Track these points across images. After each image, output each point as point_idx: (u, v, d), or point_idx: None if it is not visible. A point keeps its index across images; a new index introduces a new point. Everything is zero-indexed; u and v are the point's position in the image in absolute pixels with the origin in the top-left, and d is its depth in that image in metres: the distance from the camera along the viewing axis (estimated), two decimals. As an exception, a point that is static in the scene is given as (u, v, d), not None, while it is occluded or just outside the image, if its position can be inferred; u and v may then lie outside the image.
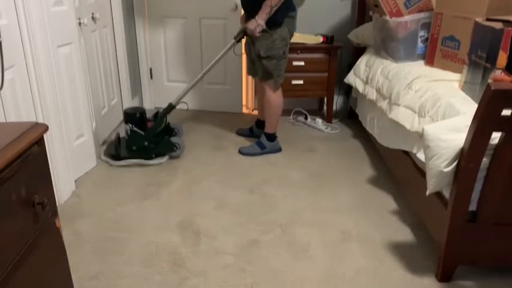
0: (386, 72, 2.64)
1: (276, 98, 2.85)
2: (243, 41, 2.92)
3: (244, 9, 2.85)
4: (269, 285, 1.73)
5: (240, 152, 2.97)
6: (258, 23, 2.60)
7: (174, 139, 2.84)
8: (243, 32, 2.74)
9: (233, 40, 2.79)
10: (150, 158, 2.77)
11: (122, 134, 2.90)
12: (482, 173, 1.56)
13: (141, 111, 2.76)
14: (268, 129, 2.96)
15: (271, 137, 2.97)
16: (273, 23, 2.64)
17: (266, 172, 2.70)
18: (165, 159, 2.81)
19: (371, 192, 2.46)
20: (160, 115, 2.84)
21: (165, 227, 2.12)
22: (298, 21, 3.57)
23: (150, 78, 3.85)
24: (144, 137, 2.75)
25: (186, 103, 2.94)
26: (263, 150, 2.96)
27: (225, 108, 3.81)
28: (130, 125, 2.72)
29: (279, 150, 3.01)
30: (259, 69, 2.81)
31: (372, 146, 3.02)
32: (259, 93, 3.17)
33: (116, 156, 2.77)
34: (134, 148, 2.76)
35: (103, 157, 2.81)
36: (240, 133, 3.30)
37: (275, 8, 2.58)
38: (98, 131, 2.89)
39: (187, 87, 2.89)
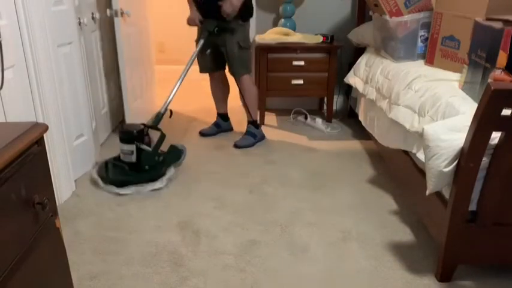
0: (386, 71, 2.64)
1: (253, 85, 3.07)
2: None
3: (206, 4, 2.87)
4: (269, 285, 1.73)
5: (236, 145, 3.04)
6: (235, 4, 2.73)
7: (176, 144, 2.70)
8: (215, 29, 2.80)
9: (201, 40, 2.85)
10: (164, 174, 2.54)
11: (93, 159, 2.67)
12: (482, 173, 1.56)
13: (140, 128, 2.54)
14: (253, 116, 3.11)
15: (256, 124, 3.14)
16: (246, 16, 2.85)
17: (266, 172, 2.70)
18: (172, 172, 2.58)
19: (371, 192, 2.46)
20: (155, 125, 2.65)
21: (165, 227, 2.12)
22: (298, 21, 3.60)
23: (150, 78, 3.85)
24: (153, 154, 2.54)
25: (171, 110, 2.80)
26: (255, 139, 3.10)
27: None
28: (137, 143, 2.49)
29: (264, 137, 3.19)
30: (236, 63, 2.92)
31: (372, 145, 3.02)
32: (216, 87, 3.26)
33: (123, 182, 2.46)
34: (147, 167, 2.52)
35: (103, 185, 2.47)
36: (205, 133, 3.29)
37: None
38: (98, 131, 2.89)
39: (171, 93, 2.76)
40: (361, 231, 2.08)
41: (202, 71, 3.16)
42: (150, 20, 3.66)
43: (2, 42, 1.73)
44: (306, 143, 3.17)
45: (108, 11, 2.97)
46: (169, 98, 2.74)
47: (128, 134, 2.50)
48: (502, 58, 1.76)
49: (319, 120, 3.47)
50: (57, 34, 2.27)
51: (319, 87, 3.47)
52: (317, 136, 3.31)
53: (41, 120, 2.14)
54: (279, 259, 1.88)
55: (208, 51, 3.02)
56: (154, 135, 2.63)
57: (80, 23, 2.55)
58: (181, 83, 2.78)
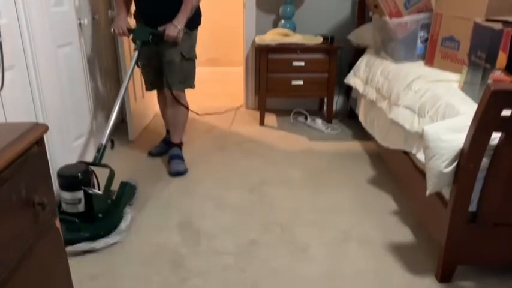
0: (386, 72, 2.64)
1: (186, 104, 2.70)
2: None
3: (148, 14, 2.53)
4: (269, 285, 1.73)
5: (177, 173, 2.64)
6: (179, 28, 2.43)
7: (127, 181, 2.30)
8: (149, 37, 2.45)
9: (136, 52, 2.48)
10: (120, 220, 2.08)
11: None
12: (482, 173, 1.56)
13: (83, 168, 2.02)
14: (180, 138, 2.80)
15: (181, 146, 2.83)
16: (194, 23, 2.57)
17: (266, 172, 2.70)
18: (127, 224, 2.09)
19: (371, 192, 2.46)
20: (98, 161, 2.19)
21: (165, 227, 2.12)
22: (298, 22, 3.60)
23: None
24: (106, 197, 2.11)
25: (112, 140, 2.49)
26: (184, 161, 2.74)
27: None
28: (85, 188, 1.99)
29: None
30: (174, 75, 2.56)
31: (372, 146, 3.02)
32: (163, 105, 2.88)
33: (72, 240, 1.90)
34: (101, 215, 2.04)
35: None
36: (155, 153, 2.91)
37: (193, 10, 2.50)
38: (98, 131, 2.89)
39: (109, 122, 2.32)
40: (361, 231, 2.08)
41: (149, 88, 2.81)
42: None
43: (2, 43, 1.73)
44: (306, 143, 3.17)
45: (109, 12, 2.97)
46: (109, 128, 2.31)
47: (72, 178, 1.97)
48: (501, 59, 1.76)
49: (319, 121, 3.47)
50: (58, 35, 2.27)
51: (319, 87, 3.46)
52: (317, 137, 3.31)
53: (41, 121, 2.14)
54: (279, 259, 1.88)
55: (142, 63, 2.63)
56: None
57: (80, 24, 2.55)
58: (119, 107, 2.39)
